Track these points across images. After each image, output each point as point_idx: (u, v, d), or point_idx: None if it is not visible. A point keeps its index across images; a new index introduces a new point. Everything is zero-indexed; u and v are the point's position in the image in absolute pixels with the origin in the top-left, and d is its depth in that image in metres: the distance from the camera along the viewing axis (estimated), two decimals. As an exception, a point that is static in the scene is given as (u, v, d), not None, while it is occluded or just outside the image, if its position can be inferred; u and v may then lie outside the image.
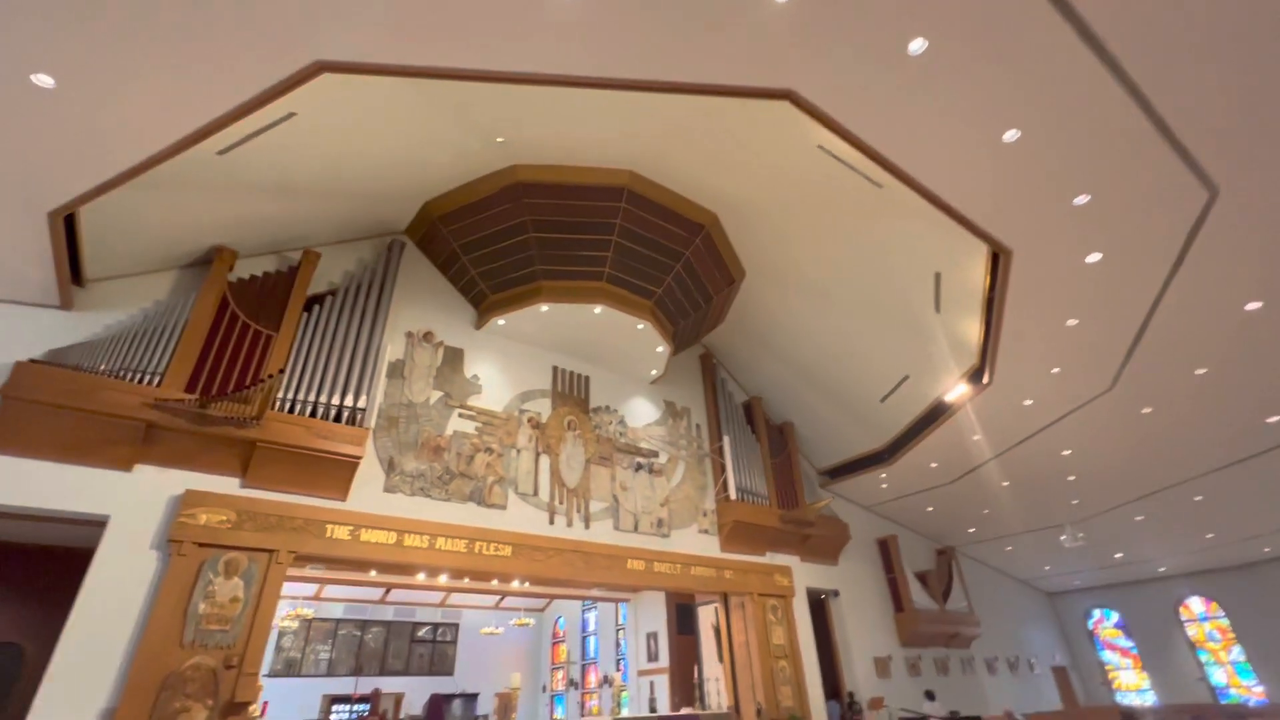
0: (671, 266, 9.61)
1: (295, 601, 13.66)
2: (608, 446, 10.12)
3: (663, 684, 12.83)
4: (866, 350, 10.47)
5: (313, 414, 7.20)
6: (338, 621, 16.01)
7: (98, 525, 6.03)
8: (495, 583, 12.20)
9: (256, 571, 6.38)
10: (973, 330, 8.66)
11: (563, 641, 17.94)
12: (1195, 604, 15.14)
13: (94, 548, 5.87)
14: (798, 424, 13.03)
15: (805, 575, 11.59)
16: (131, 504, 6.09)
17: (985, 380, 8.98)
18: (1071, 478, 11.32)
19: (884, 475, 12.41)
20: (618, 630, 15.59)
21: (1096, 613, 16.81)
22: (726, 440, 11.15)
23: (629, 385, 11.09)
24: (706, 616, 11.87)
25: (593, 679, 16.01)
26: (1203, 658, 14.68)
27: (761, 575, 10.75)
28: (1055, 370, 8.49)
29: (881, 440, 12.02)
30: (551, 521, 8.83)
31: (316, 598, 14.82)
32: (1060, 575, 16.32)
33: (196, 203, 6.66)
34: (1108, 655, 16.40)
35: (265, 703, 7.15)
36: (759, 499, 11.17)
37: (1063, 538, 9.70)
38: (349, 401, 7.43)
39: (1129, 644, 16.07)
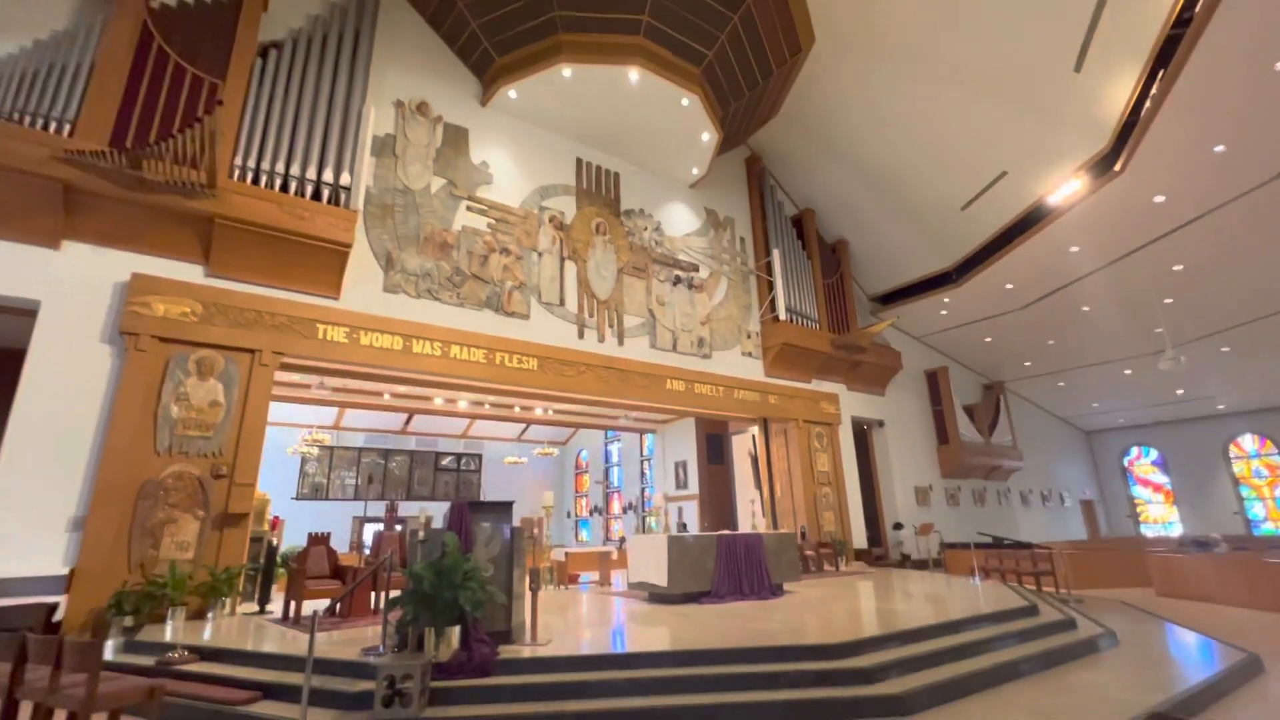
0: (727, 19, 7.50)
1: (309, 430, 13.23)
2: (642, 256, 8.73)
3: (691, 510, 12.72)
4: (956, 141, 8.60)
5: (284, 188, 5.74)
6: (360, 450, 15.91)
7: (27, 315, 4.87)
8: (518, 409, 11.53)
9: (237, 373, 5.33)
10: (1119, 96, 6.74)
11: (586, 472, 18.07)
12: (1247, 441, 14.51)
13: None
14: (853, 242, 11.48)
15: (851, 404, 10.76)
16: (66, 288, 4.88)
17: (1117, 167, 7.22)
18: (1169, 300, 9.91)
19: (947, 300, 11.08)
20: (642, 461, 15.41)
21: (1135, 450, 16.38)
22: (776, 255, 9.70)
23: (665, 187, 9.44)
24: (741, 444, 11.29)
25: (616, 506, 16.16)
26: (1244, 494, 14.34)
27: (807, 402, 9.89)
28: (1219, 149, 6.69)
29: (951, 259, 10.53)
30: (581, 335, 7.72)
31: (336, 426, 14.47)
32: (1105, 413, 15.62)
33: None
34: (1139, 490, 16.22)
35: (277, 518, 6.58)
36: (808, 321, 9.98)
37: (1162, 364, 8.51)
38: (328, 177, 5.93)
39: (1163, 479, 15.78)
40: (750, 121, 9.83)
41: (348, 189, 6.02)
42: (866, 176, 10.16)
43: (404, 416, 15.09)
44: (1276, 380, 12.72)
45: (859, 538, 9.92)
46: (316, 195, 5.89)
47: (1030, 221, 8.91)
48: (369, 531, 15.85)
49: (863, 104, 9.02)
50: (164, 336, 5.08)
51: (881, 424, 11.43)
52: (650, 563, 5.36)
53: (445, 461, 17.09)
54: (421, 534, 3.33)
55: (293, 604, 4.78)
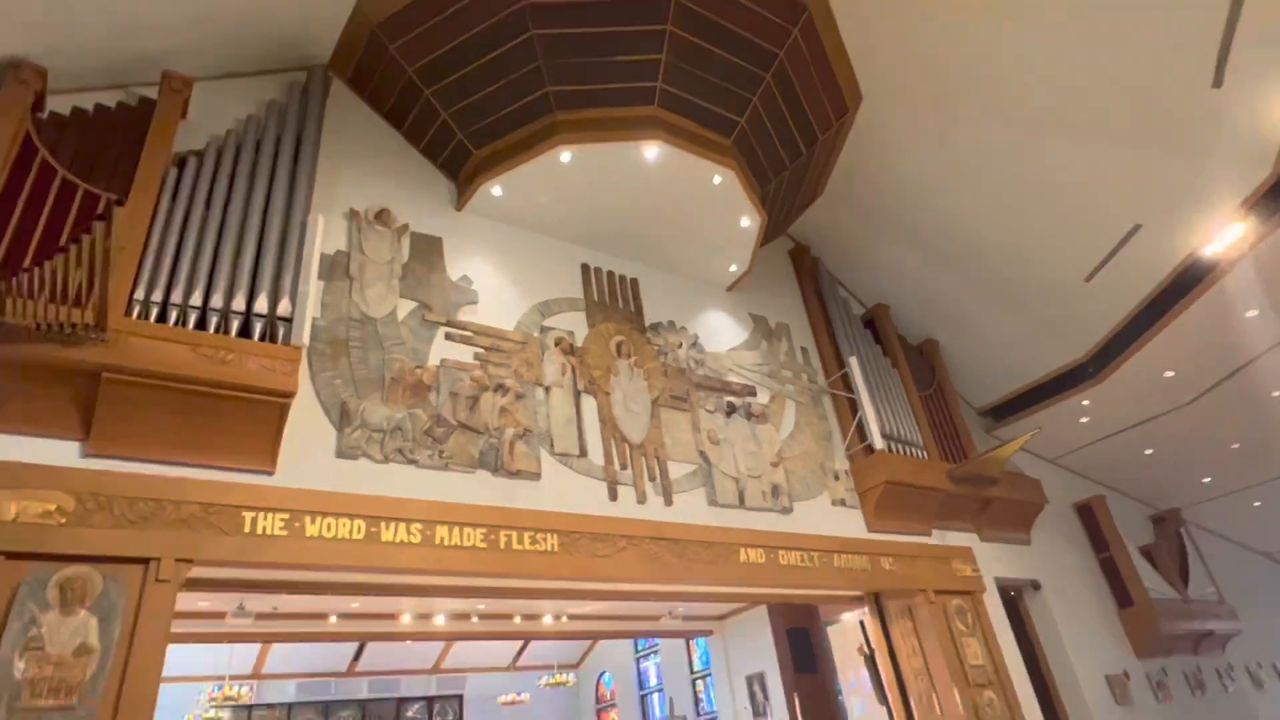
0: (759, 79, 7.69)
1: (217, 683, 11.75)
2: (681, 381, 8.25)
3: None
4: (1063, 196, 8.57)
5: (200, 325, 5.30)
6: (290, 706, 14.23)
7: None
8: (518, 619, 10.42)
9: (120, 599, 4.48)
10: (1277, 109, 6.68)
11: (613, 705, 16.17)
12: None
13: None
14: (945, 341, 11.19)
15: (990, 560, 9.74)
16: (-127, 490, 4.19)
17: (1300, 194, 7.00)
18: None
19: (1086, 402, 10.51)
20: (694, 680, 13.82)
21: (1378, 589, 14.90)
22: (854, 364, 9.24)
23: (698, 292, 9.29)
24: (845, 638, 10.03)
25: (665, 753, 14.26)
26: None
27: (934, 563, 8.91)
28: None
29: (1083, 347, 10.12)
30: (614, 496, 6.99)
31: (256, 674, 13.00)
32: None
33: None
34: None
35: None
36: (914, 450, 9.30)
37: None
38: (260, 307, 5.53)
39: None
40: (791, 206, 9.92)
41: (288, 320, 5.59)
42: (948, 256, 10.06)
43: (352, 650, 13.77)
44: None
45: (1050, 767, 8.40)
46: (245, 332, 5.44)
47: (1186, 285, 8.58)
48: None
49: (931, 169, 9.11)
50: (13, 551, 4.29)
51: (1037, 586, 10.29)
52: None
53: (412, 712, 15.31)
54: None
55: None
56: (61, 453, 4.77)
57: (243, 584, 5.79)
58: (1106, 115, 7.58)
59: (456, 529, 5.84)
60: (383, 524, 5.55)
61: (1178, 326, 8.97)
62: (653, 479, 7.35)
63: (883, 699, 8.85)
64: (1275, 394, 10.09)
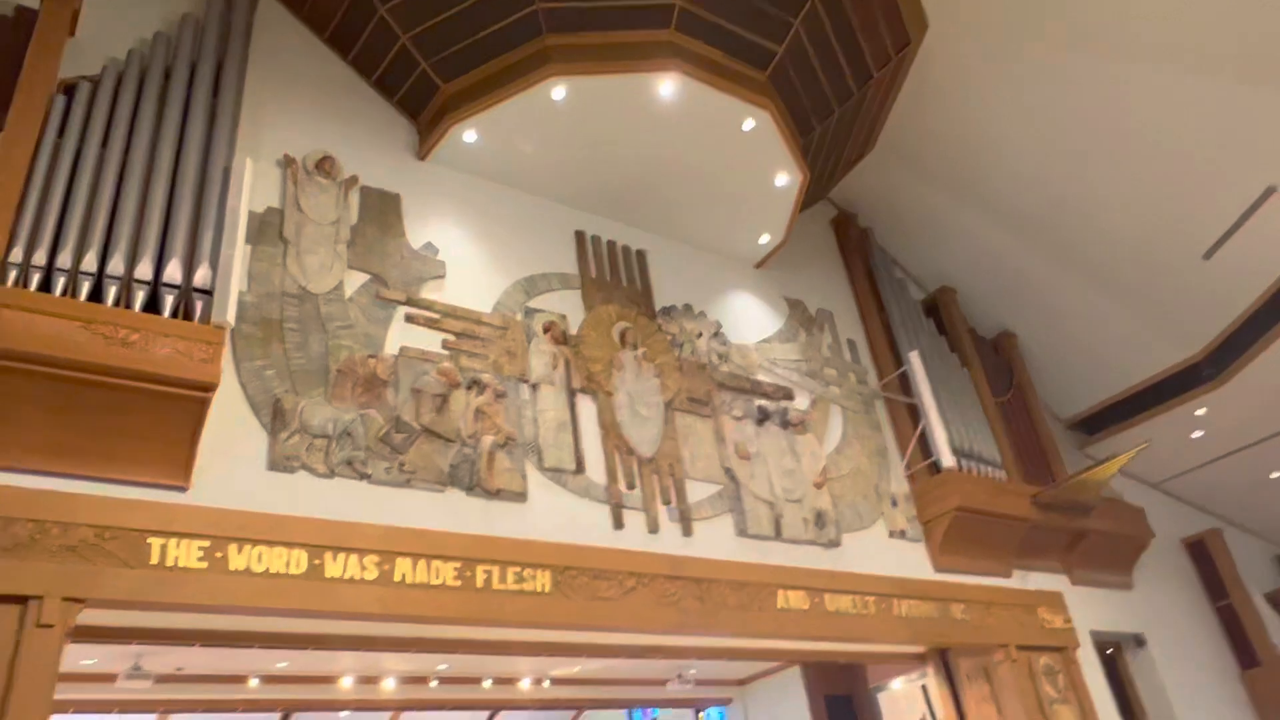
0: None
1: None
2: (701, 379, 8.17)
3: None
4: (1178, 148, 8.52)
5: (95, 296, 5.11)
6: (194, 797, 13.95)
7: None
8: (488, 684, 10.24)
9: (-9, 648, 4.28)
10: None
11: (601, 795, 16.01)
12: None
13: None
14: (1023, 336, 11.14)
15: (1083, 608, 9.71)
16: None
17: None
18: None
19: (1200, 411, 10.47)
20: (706, 762, 13.67)
21: None
22: (915, 360, 9.16)
23: (720, 268, 9.27)
24: (897, 706, 9.96)
25: None
26: None
27: (1017, 611, 8.90)
28: None
29: (1196, 344, 10.11)
30: (619, 524, 6.87)
31: (151, 754, 12.72)
32: None
33: None
34: None
35: None
36: (990, 469, 9.24)
37: None
38: (173, 275, 5.34)
39: None
40: (836, 163, 9.85)
41: (208, 292, 5.40)
42: (1028, 228, 10.09)
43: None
44: None
45: None
46: (153, 307, 5.26)
47: (1331, 263, 8.59)
48: None
49: (1008, 118, 9.15)
50: None
51: (1140, 641, 10.26)
52: None
53: (348, 803, 15.00)
54: None
55: None
56: (-89, 459, 4.58)
57: (145, 633, 5.62)
58: (1236, 47, 7.56)
59: (422, 562, 5.68)
60: (328, 555, 5.38)
61: (1321, 317, 8.99)
62: (667, 502, 7.24)
63: (949, 785, 8.79)
64: None
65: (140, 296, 5.22)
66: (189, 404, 5.13)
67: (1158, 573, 11.07)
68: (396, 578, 5.55)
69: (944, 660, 8.80)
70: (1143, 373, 10.68)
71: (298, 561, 5.26)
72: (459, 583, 5.76)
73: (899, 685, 9.93)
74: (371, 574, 5.47)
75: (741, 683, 11.97)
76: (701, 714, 13.79)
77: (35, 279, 4.96)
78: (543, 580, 6.11)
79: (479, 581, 5.84)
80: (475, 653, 7.12)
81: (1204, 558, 11.63)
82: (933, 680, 8.92)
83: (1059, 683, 8.71)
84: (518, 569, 6.04)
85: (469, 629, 6.16)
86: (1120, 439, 11.04)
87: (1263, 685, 10.80)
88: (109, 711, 9.10)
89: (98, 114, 5.75)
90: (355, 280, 6.61)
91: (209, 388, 5.14)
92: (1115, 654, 10.36)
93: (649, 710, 14.57)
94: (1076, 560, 9.99)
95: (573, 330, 7.60)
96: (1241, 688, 10.88)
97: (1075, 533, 9.77)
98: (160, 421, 5.08)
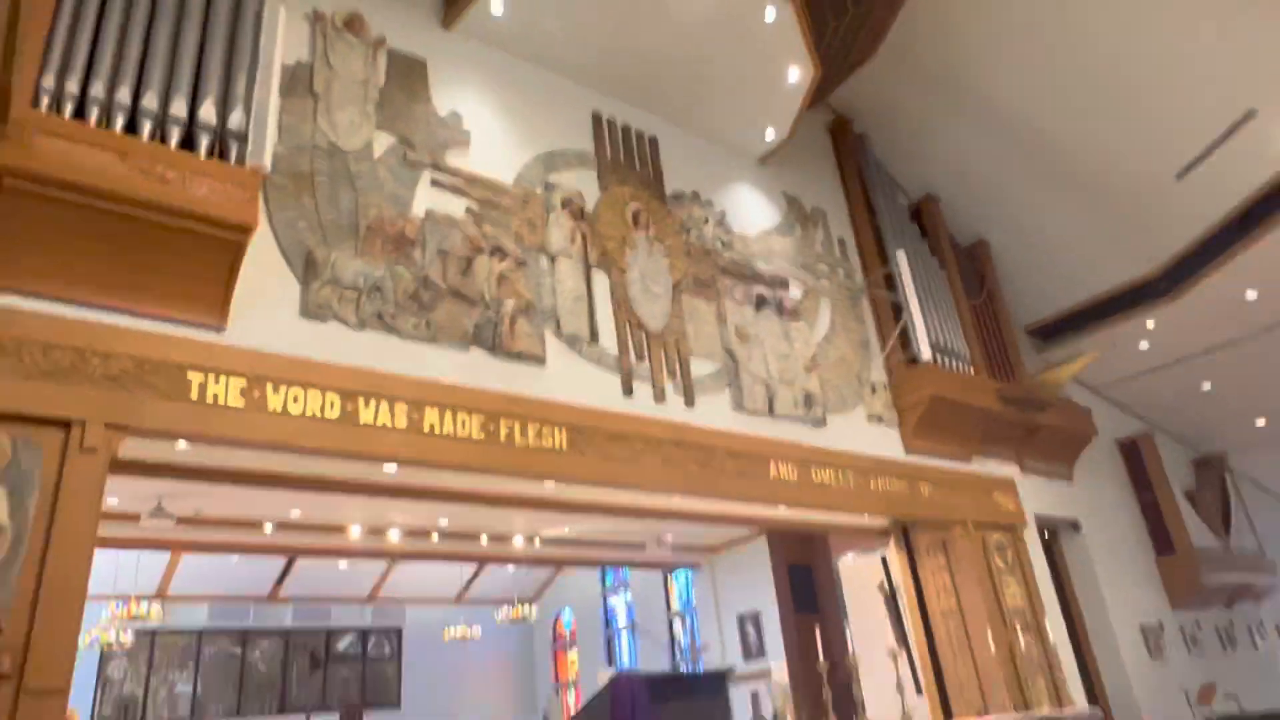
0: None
1: (119, 601, 11.33)
2: (706, 263, 7.88)
3: (766, 692, 11.37)
4: (1172, 68, 8.24)
5: (130, 129, 4.63)
6: (200, 634, 13.97)
7: None
8: (485, 539, 10.18)
9: (36, 469, 3.99)
10: None
11: (572, 645, 16.34)
12: None
13: None
14: (997, 244, 10.98)
15: (1029, 494, 9.82)
16: None
17: None
18: None
19: (1151, 324, 10.46)
20: (671, 618, 13.93)
21: None
22: (902, 259, 8.93)
23: (725, 161, 8.84)
24: (860, 576, 10.08)
25: (632, 698, 14.47)
26: None
27: (976, 494, 8.99)
28: None
29: (1155, 260, 9.98)
30: (629, 391, 6.64)
31: (162, 594, 12.60)
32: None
33: None
34: None
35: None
36: (960, 364, 9.17)
37: None
38: (207, 116, 4.85)
39: None
40: (841, 66, 9.37)
41: (243, 136, 4.93)
42: (1019, 143, 9.78)
43: (273, 574, 13.46)
44: None
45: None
46: (189, 144, 4.79)
47: (1293, 186, 8.42)
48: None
49: (1008, 30, 8.75)
50: (-113, 396, 3.75)
51: (1076, 526, 10.45)
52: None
53: (343, 645, 15.20)
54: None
55: None
56: (-55, 283, 4.17)
57: (182, 470, 5.38)
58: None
59: (449, 414, 5.44)
60: (361, 401, 5.12)
61: (1274, 239, 8.85)
62: (673, 375, 7.02)
63: (903, 640, 8.93)
64: (1363, 326, 10.17)
65: (175, 134, 4.76)
66: (226, 245, 4.73)
67: (1094, 467, 11.23)
68: (425, 428, 5.31)
69: (905, 535, 8.87)
70: (1102, 285, 10.57)
71: (332, 405, 5.00)
72: (484, 435, 5.54)
73: (858, 558, 10.02)
74: (402, 423, 5.23)
75: (711, 550, 12.06)
76: (670, 576, 14.01)
77: (69, 108, 4.46)
78: (561, 438, 5.93)
79: (503, 435, 5.63)
80: (489, 505, 6.93)
81: (1135, 457, 11.84)
82: (893, 552, 8.99)
83: (1007, 557, 8.86)
84: (538, 426, 5.84)
85: (495, 480, 6.02)
86: (1074, 345, 11.01)
87: (1174, 570, 11.16)
88: (130, 548, 8.95)
89: (125, -55, 5.14)
90: (383, 142, 6.13)
91: (247, 229, 4.74)
92: (1053, 536, 10.57)
93: (620, 570, 14.78)
94: (1028, 452, 10.05)
95: (589, 208, 7.21)
96: (1156, 572, 11.23)
97: (1030, 427, 9.79)
98: (198, 261, 4.70)
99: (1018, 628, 8.39)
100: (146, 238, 4.53)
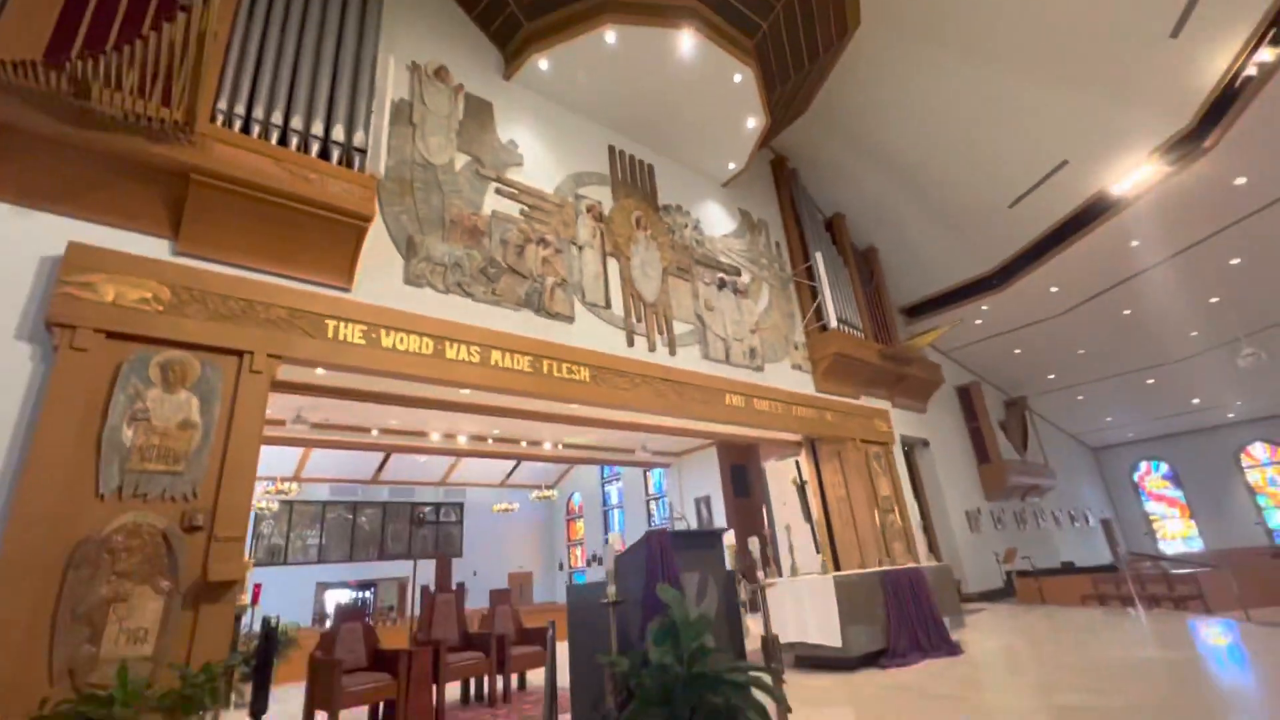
0: (784, -13, 6.72)
1: (269, 481, 11.27)
2: (685, 256, 7.68)
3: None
4: (1012, 131, 8.06)
5: (283, 141, 4.40)
6: (324, 504, 13.88)
7: (-97, 295, 3.31)
8: (525, 444, 10.10)
9: (219, 383, 3.85)
10: (1216, 64, 6.23)
11: (579, 517, 16.44)
12: (1258, 450, 14.40)
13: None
14: (883, 250, 10.82)
15: (897, 421, 9.83)
16: (-34, 260, 3.37)
17: (1208, 143, 6.68)
18: (1214, 299, 9.52)
19: (985, 307, 10.45)
20: (649, 501, 14.02)
21: (1144, 465, 16.13)
22: (819, 258, 8.81)
23: (698, 184, 8.51)
24: (778, 473, 10.11)
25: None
26: (1261, 503, 14.11)
27: (862, 420, 8.89)
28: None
29: (993, 262, 9.91)
30: (630, 343, 6.50)
31: (296, 477, 12.50)
32: (1116, 428, 15.34)
33: None
34: (1152, 506, 15.88)
35: (258, 586, 4.98)
36: (855, 331, 9.08)
37: (1241, 360, 7.97)
38: (338, 135, 4.63)
39: (1177, 493, 15.49)
40: (784, 116, 9.09)
41: (363, 151, 4.72)
42: (902, 178, 9.55)
43: (375, 464, 13.35)
44: (1286, 386, 12.62)
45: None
46: (324, 155, 4.57)
47: (1089, 217, 8.36)
48: (330, 599, 13.75)
49: (904, 97, 8.43)
50: (114, 331, 3.58)
51: (927, 444, 10.54)
52: (806, 616, 4.05)
53: (423, 513, 15.16)
54: (612, 591, 1.99)
55: (322, 715, 3.22)
56: (153, 248, 3.97)
57: (317, 389, 5.19)
58: (1065, 57, 7.00)
59: (508, 354, 5.32)
60: (446, 343, 4.98)
61: (1076, 250, 8.81)
62: (661, 332, 6.90)
63: (808, 518, 9.03)
64: (1125, 312, 10.23)
65: (314, 147, 4.55)
66: (352, 229, 4.55)
67: (941, 404, 11.29)
68: (491, 363, 5.19)
69: (813, 446, 8.86)
70: (953, 279, 10.51)
71: (426, 345, 4.86)
72: (531, 370, 5.43)
73: (779, 461, 10.05)
74: (475, 359, 5.11)
75: (678, 455, 12.05)
76: (648, 472, 14.04)
77: (238, 125, 4.25)
78: (584, 373, 5.82)
79: (544, 370, 5.52)
80: (543, 421, 6.74)
81: (966, 397, 11.93)
82: (804, 459, 8.95)
83: (882, 464, 8.90)
84: (568, 364, 5.72)
85: (540, 401, 5.87)
86: (932, 320, 10.98)
87: (989, 474, 11.34)
88: (276, 445, 8.78)
89: (277, 7, 4.82)
90: (461, 160, 5.88)
91: (367, 219, 4.56)
92: (912, 449, 10.66)
93: (615, 468, 14.80)
94: (897, 392, 10.05)
95: (606, 213, 7.00)
96: (978, 475, 11.40)
97: (899, 375, 9.76)
98: (332, 240, 4.52)
99: (886, 510, 8.51)
100: (295, 222, 4.35)
